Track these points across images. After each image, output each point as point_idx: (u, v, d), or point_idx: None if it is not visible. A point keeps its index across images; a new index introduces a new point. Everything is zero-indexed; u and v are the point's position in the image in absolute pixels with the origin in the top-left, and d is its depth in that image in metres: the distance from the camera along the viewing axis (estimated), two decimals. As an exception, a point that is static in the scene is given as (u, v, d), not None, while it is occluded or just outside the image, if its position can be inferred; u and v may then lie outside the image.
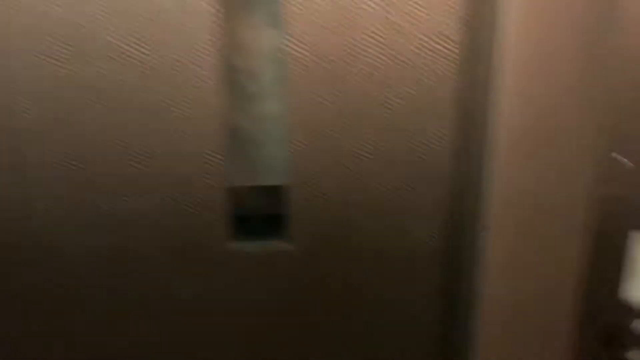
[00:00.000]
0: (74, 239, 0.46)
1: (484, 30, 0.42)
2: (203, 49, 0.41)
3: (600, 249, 0.46)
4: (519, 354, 0.51)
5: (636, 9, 0.41)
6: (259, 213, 0.49)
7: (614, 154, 0.44)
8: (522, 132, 0.43)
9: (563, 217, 0.46)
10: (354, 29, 0.42)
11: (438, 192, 0.48)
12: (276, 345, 0.51)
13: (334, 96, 0.44)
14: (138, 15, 0.40)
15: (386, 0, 0.41)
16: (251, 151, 0.48)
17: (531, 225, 0.46)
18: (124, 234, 0.46)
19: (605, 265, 0.46)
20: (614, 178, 0.45)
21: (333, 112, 0.45)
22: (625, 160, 0.44)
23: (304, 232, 0.46)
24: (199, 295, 0.48)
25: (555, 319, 0.50)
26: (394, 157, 0.46)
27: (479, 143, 0.46)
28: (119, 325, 0.49)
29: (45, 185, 0.44)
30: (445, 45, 0.43)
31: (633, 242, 0.46)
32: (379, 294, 0.50)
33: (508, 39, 0.40)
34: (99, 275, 0.47)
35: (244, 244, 0.47)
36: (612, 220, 0.46)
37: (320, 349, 0.51)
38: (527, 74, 0.42)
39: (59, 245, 0.46)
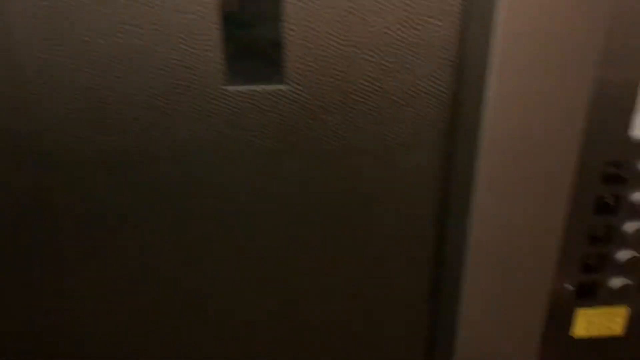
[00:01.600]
0: (64, 78, 0.49)
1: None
2: None
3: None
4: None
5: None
6: (256, 56, 0.52)
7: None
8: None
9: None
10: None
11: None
12: (273, 179, 0.55)
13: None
14: None
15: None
16: None
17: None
18: (117, 73, 0.50)
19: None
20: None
21: None
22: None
23: (299, 74, 0.51)
24: (196, 137, 0.52)
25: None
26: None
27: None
28: (115, 170, 0.53)
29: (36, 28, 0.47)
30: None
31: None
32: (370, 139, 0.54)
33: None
34: (92, 119, 0.51)
35: (240, 87, 0.51)
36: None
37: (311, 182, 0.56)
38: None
39: (51, 84, 0.49)
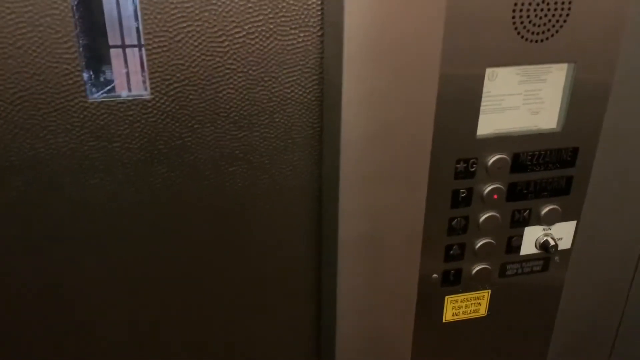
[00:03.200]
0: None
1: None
2: None
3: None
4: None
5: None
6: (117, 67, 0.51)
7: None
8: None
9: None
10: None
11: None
12: (144, 191, 0.55)
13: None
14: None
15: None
16: None
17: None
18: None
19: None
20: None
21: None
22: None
23: (163, 84, 0.51)
24: (58, 150, 0.51)
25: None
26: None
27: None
28: None
29: None
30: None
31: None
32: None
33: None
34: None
35: (102, 98, 0.50)
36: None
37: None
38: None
39: None
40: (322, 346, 0.65)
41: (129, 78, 0.51)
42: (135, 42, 0.50)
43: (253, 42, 0.51)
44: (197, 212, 0.57)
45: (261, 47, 0.52)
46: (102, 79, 0.50)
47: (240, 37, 0.51)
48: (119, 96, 0.51)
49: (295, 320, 0.64)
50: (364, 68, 0.48)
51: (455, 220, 0.56)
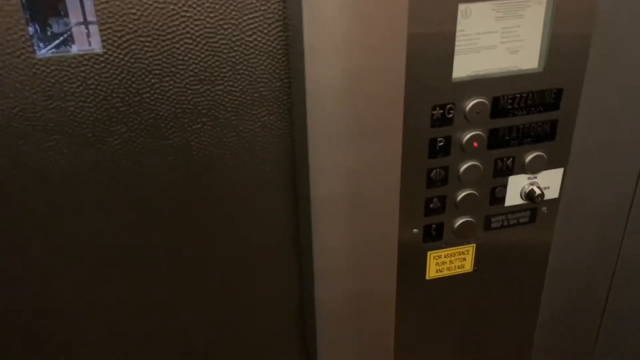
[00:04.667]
0: None
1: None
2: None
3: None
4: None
5: None
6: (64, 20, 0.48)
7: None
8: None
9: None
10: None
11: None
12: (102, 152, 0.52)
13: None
14: None
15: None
16: None
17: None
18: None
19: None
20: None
21: None
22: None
23: (115, 36, 0.48)
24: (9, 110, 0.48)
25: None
26: None
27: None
28: None
29: None
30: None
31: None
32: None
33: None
34: None
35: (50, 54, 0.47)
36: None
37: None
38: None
39: None
40: (302, 310, 0.63)
41: (78, 31, 0.48)
42: (83, -7, 0.46)
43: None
44: (161, 174, 0.54)
45: (217, -9, 0.48)
46: (49, 33, 0.47)
47: (193, -19, 0.47)
48: (68, 51, 0.48)
49: (272, 284, 0.62)
50: (326, 10, 0.45)
51: (434, 171, 0.54)
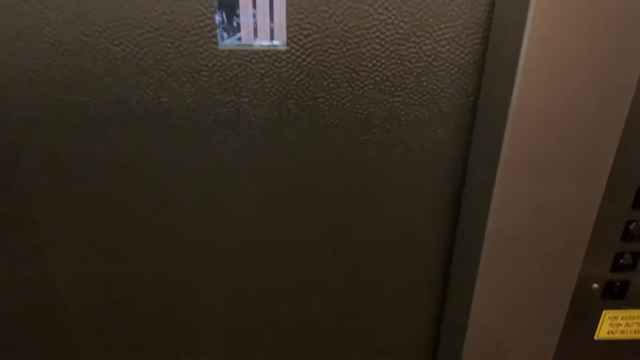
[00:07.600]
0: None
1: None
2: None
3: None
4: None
5: None
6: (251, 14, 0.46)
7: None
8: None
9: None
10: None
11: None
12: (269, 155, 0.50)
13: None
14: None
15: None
16: None
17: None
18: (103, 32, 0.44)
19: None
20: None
21: None
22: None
23: (301, 33, 0.45)
24: (183, 100, 0.47)
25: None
26: None
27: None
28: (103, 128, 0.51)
29: None
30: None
31: None
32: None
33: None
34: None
35: (232, 46, 0.45)
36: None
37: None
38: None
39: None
40: (445, 345, 0.57)
41: (263, 24, 0.45)
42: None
43: (409, -12, 0.43)
44: (321, 184, 0.51)
45: (418, -6, 0.43)
46: (234, 24, 0.45)
47: (395, -19, 0.43)
48: (251, 44, 0.45)
49: (414, 310, 0.57)
50: (550, 25, 0.39)
51: (634, 223, 0.46)
